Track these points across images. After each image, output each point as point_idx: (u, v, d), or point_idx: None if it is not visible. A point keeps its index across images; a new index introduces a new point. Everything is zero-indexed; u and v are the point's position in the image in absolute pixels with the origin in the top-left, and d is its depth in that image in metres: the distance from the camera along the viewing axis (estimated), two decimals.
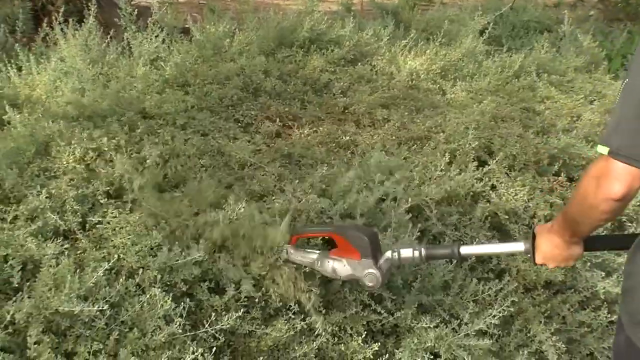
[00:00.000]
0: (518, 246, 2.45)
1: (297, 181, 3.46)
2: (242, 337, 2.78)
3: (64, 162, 3.16)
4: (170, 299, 2.62)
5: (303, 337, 2.90)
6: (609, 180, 1.86)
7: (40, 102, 3.70)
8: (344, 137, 4.03)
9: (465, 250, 2.58)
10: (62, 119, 3.44)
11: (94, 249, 2.80)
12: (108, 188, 3.09)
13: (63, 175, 3.10)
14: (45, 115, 3.45)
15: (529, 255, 2.39)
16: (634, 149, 1.81)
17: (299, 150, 3.82)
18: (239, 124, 3.93)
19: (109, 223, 2.88)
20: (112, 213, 2.91)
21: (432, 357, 3.00)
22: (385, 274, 2.69)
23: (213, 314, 2.71)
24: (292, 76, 4.56)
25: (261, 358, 2.80)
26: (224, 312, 2.74)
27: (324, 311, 2.97)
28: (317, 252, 2.83)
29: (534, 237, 2.35)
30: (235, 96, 4.13)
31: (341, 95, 4.54)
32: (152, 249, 2.81)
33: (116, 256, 2.72)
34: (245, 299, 2.87)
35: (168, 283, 2.75)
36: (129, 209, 2.98)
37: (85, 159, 3.21)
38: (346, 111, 4.42)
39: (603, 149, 1.86)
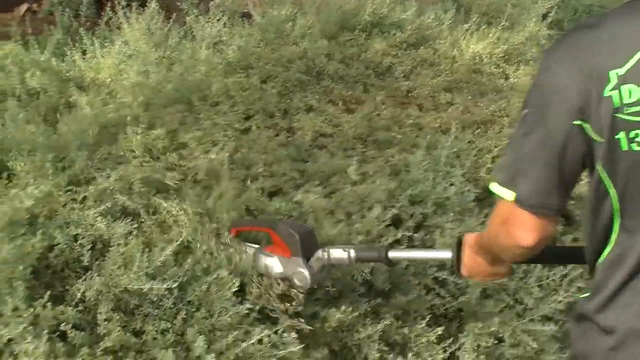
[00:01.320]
0: (445, 254, 2.33)
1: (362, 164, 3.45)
2: (307, 318, 2.77)
3: (131, 145, 3.19)
4: (237, 281, 2.63)
5: (367, 319, 2.89)
6: (517, 230, 1.67)
7: (105, 85, 3.73)
8: (407, 121, 4.00)
9: (393, 254, 2.53)
10: (128, 102, 3.47)
11: (160, 232, 2.82)
12: (175, 173, 3.12)
13: (132, 158, 3.13)
14: (112, 98, 3.48)
15: (454, 263, 2.24)
16: (545, 198, 1.63)
17: (363, 132, 3.81)
18: (304, 107, 3.92)
19: (176, 207, 2.90)
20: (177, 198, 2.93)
21: (496, 341, 2.98)
22: (316, 273, 2.62)
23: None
24: (354, 60, 4.53)
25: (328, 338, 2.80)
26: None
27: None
28: (255, 246, 2.80)
29: (459, 245, 2.18)
30: (299, 79, 4.12)
31: (404, 79, 4.51)
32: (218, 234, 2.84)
33: (182, 237, 2.74)
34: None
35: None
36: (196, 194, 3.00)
37: (153, 142, 3.23)
38: (409, 95, 4.39)
39: (506, 193, 1.66)
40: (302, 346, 2.59)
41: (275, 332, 2.59)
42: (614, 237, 1.65)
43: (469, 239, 2.13)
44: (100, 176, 2.91)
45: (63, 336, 2.37)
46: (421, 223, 3.27)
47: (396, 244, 3.07)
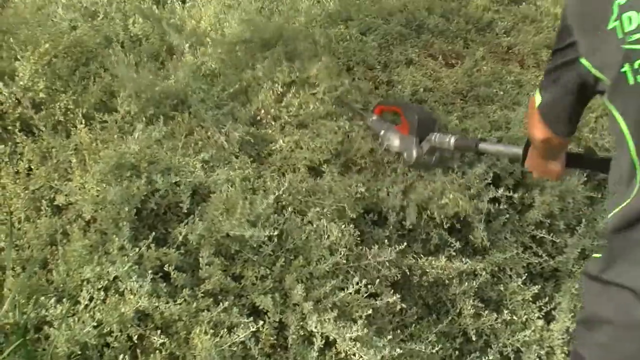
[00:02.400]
0: (518, 149, 2.52)
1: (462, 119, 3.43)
2: (404, 270, 2.77)
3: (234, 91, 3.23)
4: (336, 230, 2.64)
5: (463, 275, 2.88)
6: (533, 127, 2.00)
7: (206, 34, 3.75)
8: (508, 77, 3.93)
9: (482, 145, 2.74)
10: (228, 51, 3.49)
11: (262, 180, 2.85)
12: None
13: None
14: (213, 46, 3.51)
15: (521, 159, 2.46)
16: (555, 121, 1.91)
17: (463, 87, 3.76)
18: (404, 60, 3.89)
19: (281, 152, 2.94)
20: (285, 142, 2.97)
21: None
22: (423, 154, 2.98)
23: (376, 245, 2.72)
24: (455, 14, 4.45)
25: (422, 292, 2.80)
26: (386, 244, 2.75)
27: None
28: (387, 123, 3.19)
29: (527, 143, 2.39)
30: (399, 32, 4.08)
31: (505, 35, 4.42)
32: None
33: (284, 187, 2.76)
34: (407, 231, 2.88)
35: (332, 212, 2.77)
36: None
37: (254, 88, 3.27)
38: (510, 51, 4.31)
39: (537, 96, 1.93)
40: (398, 297, 2.60)
41: (372, 283, 2.59)
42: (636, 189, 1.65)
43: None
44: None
45: (166, 277, 2.43)
46: (520, 181, 3.23)
47: (495, 202, 3.04)
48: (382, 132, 3.15)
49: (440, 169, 3.08)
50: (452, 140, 2.86)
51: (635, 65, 1.51)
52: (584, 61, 1.66)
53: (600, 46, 1.59)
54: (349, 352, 2.40)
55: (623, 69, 1.53)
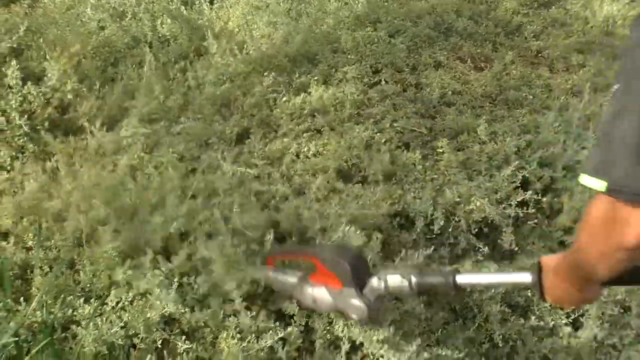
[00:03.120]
0: (523, 277, 1.99)
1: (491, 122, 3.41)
2: None
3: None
4: (362, 234, 2.62)
5: None
6: (617, 226, 1.39)
7: (234, 35, 3.76)
8: (537, 81, 3.91)
9: (462, 279, 2.13)
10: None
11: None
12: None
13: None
14: (240, 49, 3.53)
15: (535, 288, 1.93)
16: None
17: (492, 91, 3.74)
18: (432, 63, 3.88)
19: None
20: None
21: (622, 310, 2.93)
22: (373, 304, 2.24)
23: (402, 250, 2.70)
24: (483, 17, 4.45)
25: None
26: (412, 249, 2.73)
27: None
28: (298, 274, 2.40)
29: (539, 269, 1.90)
30: (427, 35, 4.07)
31: (534, 39, 4.41)
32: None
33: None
34: (434, 236, 2.87)
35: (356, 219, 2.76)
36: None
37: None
38: (539, 55, 4.29)
39: (595, 183, 1.39)
40: (424, 301, 2.58)
41: None
42: None
43: (550, 262, 1.86)
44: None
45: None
46: (549, 186, 3.20)
47: (523, 205, 3.01)
48: (294, 289, 2.40)
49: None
50: (413, 280, 2.18)
51: None
52: None
53: None
54: (376, 355, 2.38)
55: None
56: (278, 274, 2.43)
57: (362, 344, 2.39)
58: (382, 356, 2.35)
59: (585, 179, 1.41)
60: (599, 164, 1.41)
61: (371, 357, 2.40)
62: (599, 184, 1.38)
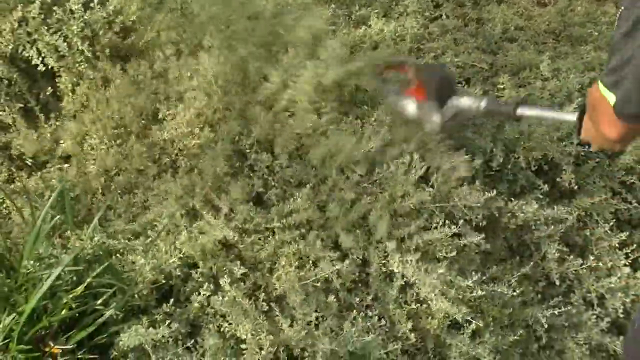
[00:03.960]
0: (570, 116, 2.19)
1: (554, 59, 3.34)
2: (492, 213, 2.73)
3: None
4: (424, 166, 2.61)
5: (549, 219, 2.82)
6: (607, 127, 1.69)
7: None
8: (603, 18, 3.81)
9: (521, 110, 2.38)
10: None
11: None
12: None
13: None
14: None
15: (576, 127, 2.12)
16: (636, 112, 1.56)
17: (556, 27, 3.67)
18: None
19: None
20: None
21: None
22: (447, 121, 2.59)
23: (464, 185, 2.69)
24: None
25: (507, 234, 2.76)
26: (471, 184, 2.71)
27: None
28: (394, 86, 2.79)
29: (583, 110, 2.03)
30: None
31: None
32: None
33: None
34: (493, 172, 2.84)
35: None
36: None
37: None
38: None
39: (609, 96, 1.59)
40: (481, 237, 2.56)
41: (455, 223, 2.55)
42: None
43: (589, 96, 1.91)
44: None
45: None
46: None
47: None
48: (391, 98, 2.77)
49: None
50: (483, 103, 2.48)
51: None
52: None
53: None
54: (428, 297, 2.38)
55: None
56: (382, 83, 2.82)
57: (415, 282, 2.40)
58: (432, 299, 2.36)
59: (602, 87, 1.61)
60: (611, 79, 1.57)
61: (420, 304, 2.41)
62: (610, 97, 1.58)
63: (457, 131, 2.81)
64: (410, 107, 2.67)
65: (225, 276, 2.26)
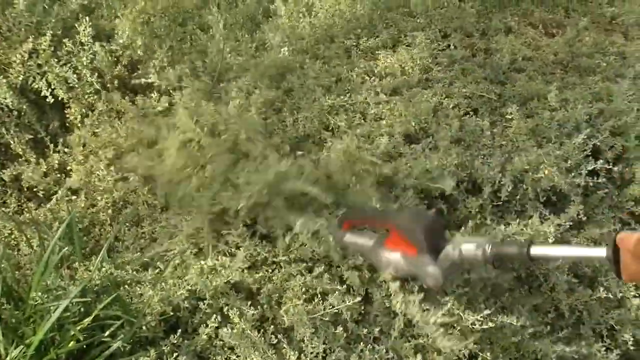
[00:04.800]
0: (598, 252, 1.94)
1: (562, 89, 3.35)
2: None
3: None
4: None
5: None
6: None
7: None
8: (611, 48, 3.82)
9: (535, 250, 2.09)
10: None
11: None
12: None
13: None
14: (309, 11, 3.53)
15: (610, 264, 1.89)
16: None
17: (564, 57, 3.68)
18: (503, 28, 3.82)
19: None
20: None
21: None
22: (447, 271, 2.21)
23: (469, 214, 2.69)
24: None
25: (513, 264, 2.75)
26: (479, 215, 2.71)
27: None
28: (375, 236, 2.40)
29: (615, 246, 1.86)
30: (497, 0, 4.01)
31: (608, 5, 4.30)
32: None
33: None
34: (501, 202, 2.84)
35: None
36: None
37: None
38: (613, 21, 4.19)
39: None
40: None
41: None
42: None
43: (628, 241, 1.82)
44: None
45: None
46: (620, 155, 3.14)
47: (593, 175, 2.96)
48: (371, 253, 2.40)
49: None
50: (488, 249, 2.15)
51: None
52: None
53: None
54: (431, 336, 2.36)
55: None
56: (354, 237, 2.44)
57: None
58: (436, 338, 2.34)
59: None
60: None
61: (427, 338, 2.39)
62: None
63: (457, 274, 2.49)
64: (399, 263, 2.31)
65: (234, 309, 2.26)
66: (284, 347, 2.22)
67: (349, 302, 2.31)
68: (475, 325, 2.36)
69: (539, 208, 2.88)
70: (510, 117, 3.09)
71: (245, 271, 2.37)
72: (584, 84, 3.46)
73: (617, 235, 1.84)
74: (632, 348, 2.65)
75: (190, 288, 2.29)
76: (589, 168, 2.93)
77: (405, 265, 2.28)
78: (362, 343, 2.32)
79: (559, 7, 4.17)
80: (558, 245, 2.38)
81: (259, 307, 2.32)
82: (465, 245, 2.19)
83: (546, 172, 2.86)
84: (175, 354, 2.15)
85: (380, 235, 2.39)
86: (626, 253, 1.80)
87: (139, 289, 2.31)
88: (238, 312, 2.24)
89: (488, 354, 2.38)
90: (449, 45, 3.56)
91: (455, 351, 2.34)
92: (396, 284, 2.36)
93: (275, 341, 2.25)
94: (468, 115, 3.13)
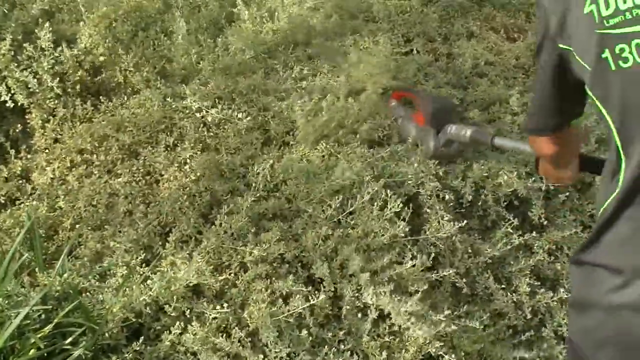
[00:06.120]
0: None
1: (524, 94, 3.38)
2: (458, 245, 2.74)
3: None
4: (398, 201, 2.62)
5: (520, 252, 2.84)
6: (537, 149, 1.92)
7: (264, 1, 3.74)
8: None
9: (498, 141, 2.66)
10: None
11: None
12: None
13: None
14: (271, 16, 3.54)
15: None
16: (542, 122, 1.78)
17: (525, 62, 3.71)
18: (465, 33, 3.85)
19: None
20: None
21: None
22: (440, 146, 2.89)
23: (435, 222, 2.70)
24: None
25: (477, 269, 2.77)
26: (444, 219, 2.72)
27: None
28: (405, 110, 3.10)
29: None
30: (460, 5, 4.03)
31: None
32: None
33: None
34: (464, 208, 2.85)
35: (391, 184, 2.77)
36: None
37: None
38: None
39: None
40: (453, 271, 2.57)
41: (428, 256, 2.57)
42: (620, 180, 1.47)
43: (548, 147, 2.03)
44: None
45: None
46: None
47: None
48: (399, 120, 3.08)
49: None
50: (468, 132, 2.78)
51: (616, 51, 1.39)
52: (562, 46, 1.52)
53: (577, 31, 1.47)
54: (403, 326, 2.38)
55: (604, 55, 1.40)
56: (396, 108, 3.13)
57: (389, 313, 2.39)
58: (408, 328, 2.36)
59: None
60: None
61: (397, 327, 2.41)
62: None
63: (448, 160, 2.98)
64: (412, 130, 3.00)
65: (195, 317, 2.25)
66: (247, 352, 2.22)
67: (314, 300, 2.33)
68: (438, 327, 2.38)
69: (501, 212, 2.90)
70: (472, 121, 3.11)
71: (208, 273, 2.36)
72: None
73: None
74: None
75: (152, 294, 2.28)
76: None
77: (415, 132, 2.98)
78: (326, 346, 2.32)
79: (520, 12, 4.20)
80: (514, 140, 2.81)
81: (222, 312, 2.31)
82: (456, 126, 2.84)
83: (505, 177, 2.90)
84: None
85: (412, 109, 3.10)
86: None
87: (100, 295, 2.29)
88: (200, 317, 2.24)
89: (453, 355, 2.39)
90: (412, 50, 3.57)
91: (422, 350, 2.36)
92: (366, 275, 2.41)
93: (239, 346, 2.24)
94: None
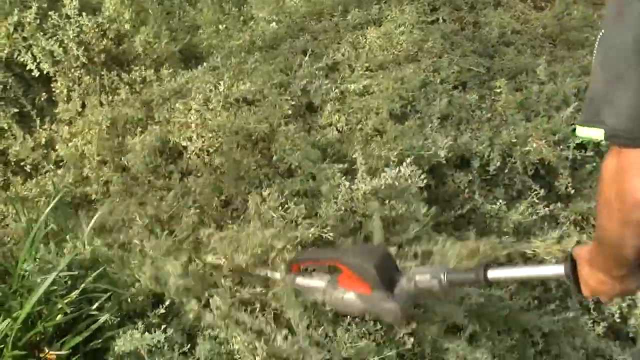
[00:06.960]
0: (556, 269, 1.85)
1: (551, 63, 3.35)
2: (484, 215, 2.73)
3: None
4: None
5: (545, 223, 2.82)
6: (627, 178, 1.20)
7: None
8: (599, 22, 3.80)
9: (493, 274, 2.00)
10: None
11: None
12: None
13: None
14: None
15: (570, 280, 1.78)
16: None
17: (552, 31, 3.68)
18: (492, 1, 3.82)
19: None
20: None
21: None
22: (405, 304, 2.15)
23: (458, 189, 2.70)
24: None
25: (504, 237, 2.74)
26: (467, 189, 2.71)
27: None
28: (327, 277, 2.29)
29: (572, 261, 1.74)
30: None
31: None
32: None
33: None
34: (489, 177, 2.84)
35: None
36: None
37: None
38: None
39: (592, 132, 1.25)
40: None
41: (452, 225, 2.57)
42: None
43: (583, 253, 1.67)
44: None
45: None
46: None
47: (581, 148, 2.96)
48: (325, 294, 2.28)
49: None
50: (444, 278, 2.08)
51: None
52: None
53: None
54: None
55: None
56: (305, 280, 2.33)
57: None
58: None
59: (580, 131, 1.29)
60: (590, 112, 1.27)
61: None
62: (597, 132, 1.24)
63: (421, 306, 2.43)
64: (355, 302, 2.21)
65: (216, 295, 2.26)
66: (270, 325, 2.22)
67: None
68: (464, 298, 2.37)
69: (527, 182, 2.88)
70: (499, 90, 3.10)
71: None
72: (573, 57, 3.47)
73: (573, 250, 1.75)
74: (618, 320, 2.66)
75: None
76: (577, 141, 2.93)
77: (362, 303, 2.19)
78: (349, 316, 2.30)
79: None
80: (514, 266, 2.29)
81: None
82: (420, 276, 2.11)
83: (534, 145, 2.86)
84: (163, 327, 2.14)
85: (333, 275, 2.28)
86: (583, 265, 1.66)
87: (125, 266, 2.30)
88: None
89: (477, 325, 2.38)
90: (438, 19, 3.55)
91: (446, 320, 2.35)
92: (392, 250, 2.34)
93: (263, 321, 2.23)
94: (457, 90, 3.12)
